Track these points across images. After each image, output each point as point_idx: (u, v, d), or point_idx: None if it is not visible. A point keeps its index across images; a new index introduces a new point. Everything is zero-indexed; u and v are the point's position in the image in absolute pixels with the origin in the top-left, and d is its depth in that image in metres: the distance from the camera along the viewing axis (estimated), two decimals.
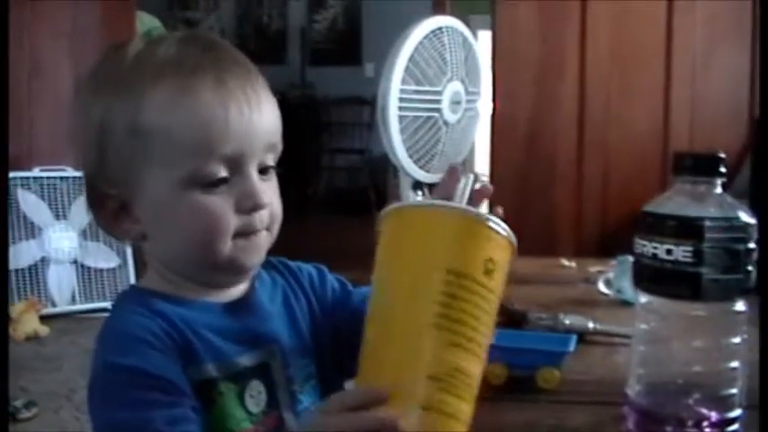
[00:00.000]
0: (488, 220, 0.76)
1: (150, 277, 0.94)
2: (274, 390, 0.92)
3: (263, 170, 0.90)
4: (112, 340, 0.86)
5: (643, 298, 0.91)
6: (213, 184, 0.86)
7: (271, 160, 0.91)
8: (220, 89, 0.86)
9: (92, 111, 0.90)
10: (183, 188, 0.86)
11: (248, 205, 0.87)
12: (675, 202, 0.88)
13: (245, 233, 0.88)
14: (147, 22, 4.80)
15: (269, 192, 0.90)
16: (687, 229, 0.85)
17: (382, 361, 0.75)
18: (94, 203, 0.92)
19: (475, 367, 0.75)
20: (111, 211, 0.91)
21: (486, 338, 0.76)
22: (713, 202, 0.87)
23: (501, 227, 0.76)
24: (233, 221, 0.87)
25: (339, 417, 0.73)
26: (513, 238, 0.77)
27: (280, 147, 0.93)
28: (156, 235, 0.91)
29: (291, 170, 0.96)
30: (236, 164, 0.87)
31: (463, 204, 0.84)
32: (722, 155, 0.88)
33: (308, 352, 0.97)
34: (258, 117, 0.88)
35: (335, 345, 0.98)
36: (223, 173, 0.86)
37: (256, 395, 0.91)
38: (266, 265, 0.98)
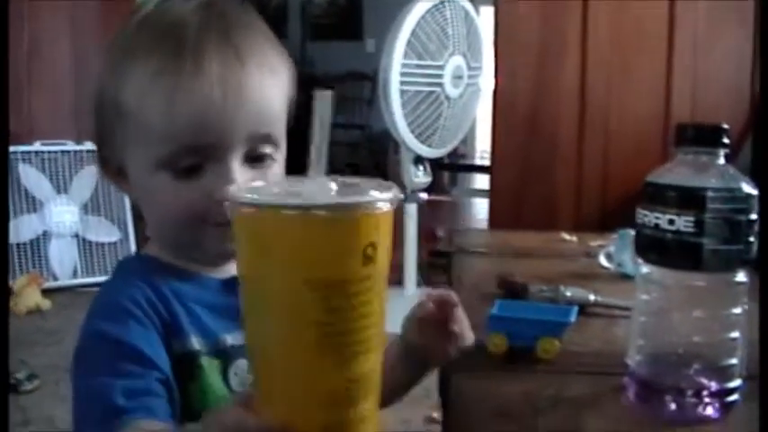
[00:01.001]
0: (357, 205, 0.63)
1: (152, 243, 0.95)
2: None
3: (256, 157, 0.88)
4: (100, 306, 0.88)
5: (644, 268, 0.91)
6: (184, 170, 0.86)
7: (265, 149, 0.89)
8: (195, 76, 0.83)
9: (98, 77, 0.91)
10: (156, 170, 0.87)
11: (221, 195, 0.83)
12: (678, 172, 0.88)
13: (220, 222, 0.85)
14: None
15: (257, 180, 0.87)
16: (689, 199, 0.85)
17: (272, 393, 0.66)
18: (99, 161, 0.95)
19: (373, 362, 0.67)
20: (112, 172, 0.94)
21: (379, 320, 0.67)
22: (715, 173, 0.87)
23: (376, 199, 0.64)
24: (204, 210, 0.86)
25: None
26: (394, 195, 0.65)
27: (276, 135, 0.90)
28: (141, 206, 0.92)
29: (291, 146, 0.95)
30: (211, 153, 0.85)
31: (318, 186, 0.67)
32: (725, 126, 0.88)
33: None
34: (237, 108, 0.84)
35: None
36: (194, 162, 0.85)
37: (241, 374, 0.90)
38: None
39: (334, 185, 0.66)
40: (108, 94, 0.89)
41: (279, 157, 0.91)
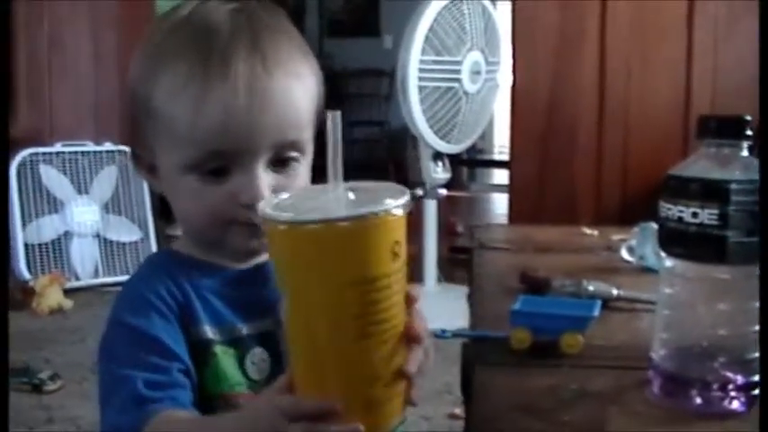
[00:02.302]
0: (382, 212, 0.71)
1: (182, 238, 0.99)
2: (279, 360, 0.93)
3: (282, 161, 0.90)
4: (124, 298, 0.92)
5: (668, 262, 0.91)
6: (211, 174, 0.88)
7: (291, 154, 0.91)
8: (222, 83, 0.85)
9: (131, 77, 0.93)
10: (183, 173, 0.89)
11: (245, 200, 0.88)
12: (701, 165, 0.88)
13: (244, 223, 0.89)
14: None
15: (282, 185, 0.89)
16: (713, 192, 0.84)
17: (320, 376, 0.74)
18: (133, 156, 0.98)
19: (399, 342, 0.76)
20: (145, 168, 0.96)
21: (403, 306, 0.76)
22: (739, 165, 0.86)
23: (395, 206, 0.72)
24: (229, 212, 0.89)
25: (298, 425, 0.72)
26: (408, 200, 0.73)
27: (302, 141, 0.92)
28: (171, 203, 0.95)
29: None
30: (236, 158, 0.87)
31: (343, 193, 0.77)
32: (748, 117, 0.88)
33: None
34: (262, 115, 0.86)
35: None
36: (220, 165, 0.88)
37: (258, 362, 0.93)
38: None
39: (351, 195, 0.75)
40: (139, 96, 0.91)
41: (304, 161, 0.93)
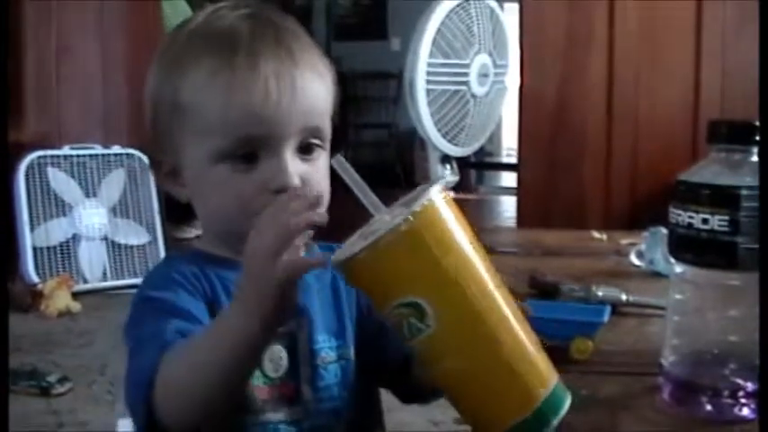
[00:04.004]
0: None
1: (202, 238, 1.00)
2: (297, 360, 0.94)
3: (306, 148, 0.92)
4: (152, 279, 0.94)
5: (678, 268, 0.90)
6: (242, 162, 0.90)
7: (314, 141, 0.93)
8: (252, 72, 0.88)
9: (151, 83, 0.96)
10: (213, 163, 0.91)
11: (276, 186, 0.89)
12: (711, 170, 0.87)
13: None
14: None
15: (308, 172, 0.92)
16: (723, 198, 0.84)
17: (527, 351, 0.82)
18: (153, 165, 1.00)
19: None
20: (165, 173, 0.98)
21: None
22: (749, 171, 0.86)
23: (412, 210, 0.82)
24: (259, 200, 0.89)
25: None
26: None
27: (324, 129, 0.94)
28: (196, 202, 0.97)
29: None
30: (267, 145, 0.90)
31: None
32: (758, 123, 0.87)
33: (344, 334, 0.99)
34: (290, 102, 0.89)
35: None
36: (249, 152, 0.90)
37: (276, 360, 0.93)
38: (325, 248, 1.01)
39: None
40: (165, 96, 0.93)
41: (325, 151, 0.95)
